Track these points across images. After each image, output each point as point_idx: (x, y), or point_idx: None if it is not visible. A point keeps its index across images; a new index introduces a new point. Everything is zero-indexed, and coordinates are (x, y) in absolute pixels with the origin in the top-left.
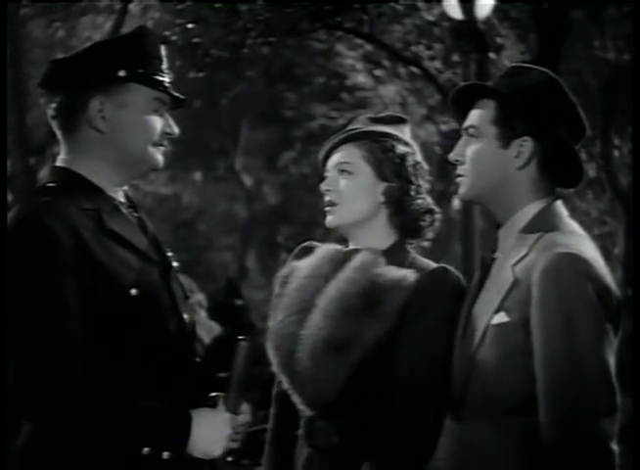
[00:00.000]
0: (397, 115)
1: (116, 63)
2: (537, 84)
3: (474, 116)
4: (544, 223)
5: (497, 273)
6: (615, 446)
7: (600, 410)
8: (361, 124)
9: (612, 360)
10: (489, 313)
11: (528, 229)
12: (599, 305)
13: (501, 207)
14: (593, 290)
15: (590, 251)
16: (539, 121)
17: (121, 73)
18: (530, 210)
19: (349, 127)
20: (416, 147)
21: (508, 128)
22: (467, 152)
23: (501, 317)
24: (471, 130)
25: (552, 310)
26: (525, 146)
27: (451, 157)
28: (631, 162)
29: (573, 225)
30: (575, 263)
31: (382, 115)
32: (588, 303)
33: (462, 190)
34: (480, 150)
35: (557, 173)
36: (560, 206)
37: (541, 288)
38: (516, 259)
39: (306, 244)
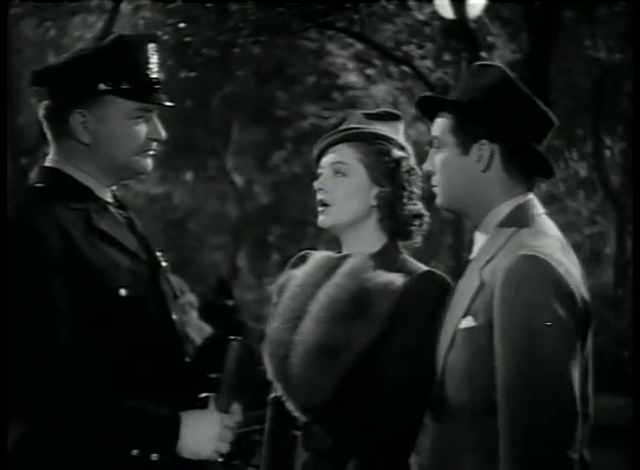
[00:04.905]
0: (392, 111)
1: (96, 76)
2: (491, 85)
3: (436, 126)
4: (515, 222)
5: (468, 276)
6: (575, 455)
7: (558, 417)
8: (357, 122)
9: (574, 363)
10: (458, 317)
11: (500, 228)
12: (560, 308)
13: (476, 210)
14: (554, 293)
15: (557, 252)
16: (495, 123)
17: (101, 87)
18: (503, 209)
19: (345, 125)
20: (410, 150)
21: (465, 135)
22: (435, 162)
23: (468, 321)
24: (435, 142)
25: (512, 312)
26: (484, 149)
27: (424, 168)
28: (631, 161)
29: (547, 224)
30: (536, 266)
31: (377, 111)
32: (548, 305)
33: (438, 200)
34: (444, 160)
35: (526, 170)
36: (534, 203)
37: (502, 290)
38: (483, 262)
39: (303, 252)
